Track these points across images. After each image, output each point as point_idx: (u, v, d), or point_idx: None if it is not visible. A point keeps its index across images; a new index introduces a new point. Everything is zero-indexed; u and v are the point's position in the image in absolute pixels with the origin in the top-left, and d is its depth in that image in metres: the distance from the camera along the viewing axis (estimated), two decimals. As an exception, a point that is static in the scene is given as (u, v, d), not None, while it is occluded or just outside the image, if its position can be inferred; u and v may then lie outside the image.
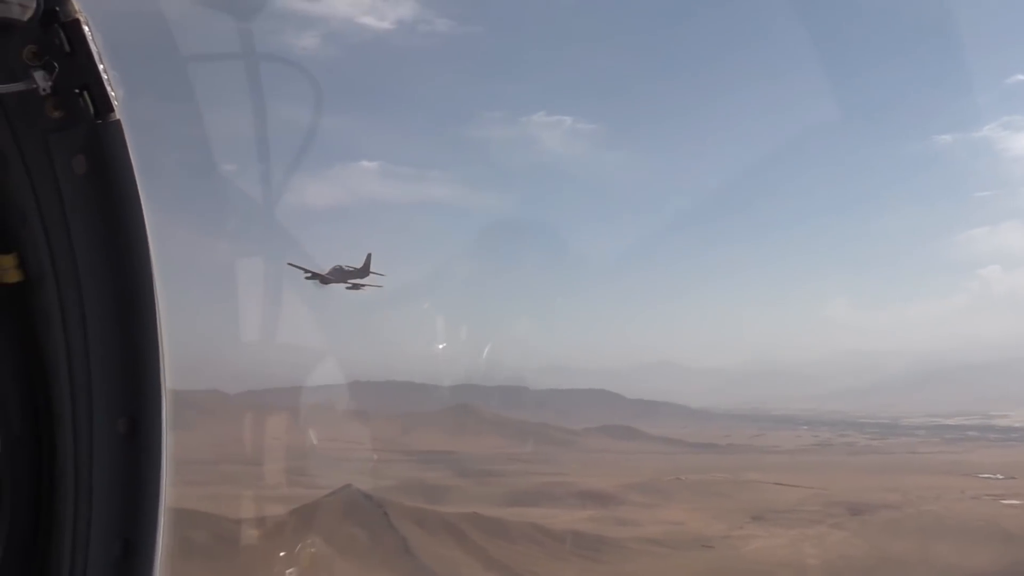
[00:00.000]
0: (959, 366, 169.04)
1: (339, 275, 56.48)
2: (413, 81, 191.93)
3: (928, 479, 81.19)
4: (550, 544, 62.71)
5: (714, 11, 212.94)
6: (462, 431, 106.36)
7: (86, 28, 2.36)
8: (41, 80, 2.33)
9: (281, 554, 45.63)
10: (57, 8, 2.33)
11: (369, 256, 58.81)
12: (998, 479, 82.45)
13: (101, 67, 2.40)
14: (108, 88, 2.42)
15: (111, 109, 2.43)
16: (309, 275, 53.37)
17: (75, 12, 2.35)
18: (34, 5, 2.29)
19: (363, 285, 57.44)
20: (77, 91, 2.40)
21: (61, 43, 2.34)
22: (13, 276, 2.51)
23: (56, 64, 2.34)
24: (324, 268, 54.71)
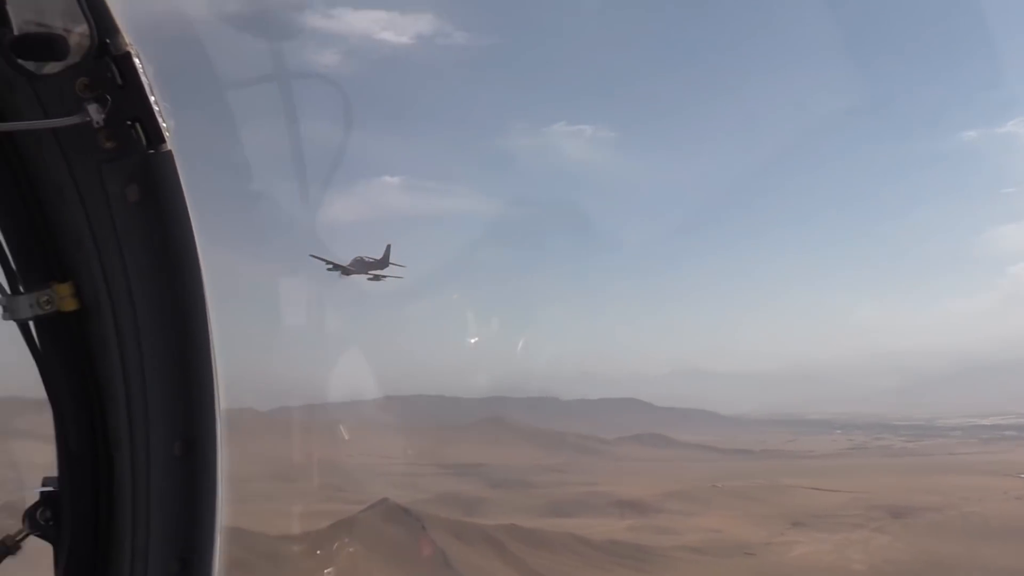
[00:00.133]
0: (992, 365, 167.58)
1: (360, 266, 56.84)
2: (433, 95, 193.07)
3: (969, 480, 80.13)
4: (591, 554, 62.22)
5: (733, 12, 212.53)
6: (495, 443, 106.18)
7: (137, 61, 2.44)
8: (94, 113, 2.39)
9: (326, 572, 45.61)
10: (108, 41, 2.40)
11: (388, 247, 59.11)
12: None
13: (152, 99, 2.47)
14: (159, 119, 2.49)
15: (162, 139, 2.50)
16: (331, 266, 53.72)
17: (126, 45, 2.42)
18: (88, 40, 2.37)
19: (383, 276, 57.74)
20: (129, 122, 2.46)
21: (113, 76, 2.42)
22: (70, 304, 2.56)
23: (109, 97, 2.41)
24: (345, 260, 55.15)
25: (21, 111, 2.46)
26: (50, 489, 2.65)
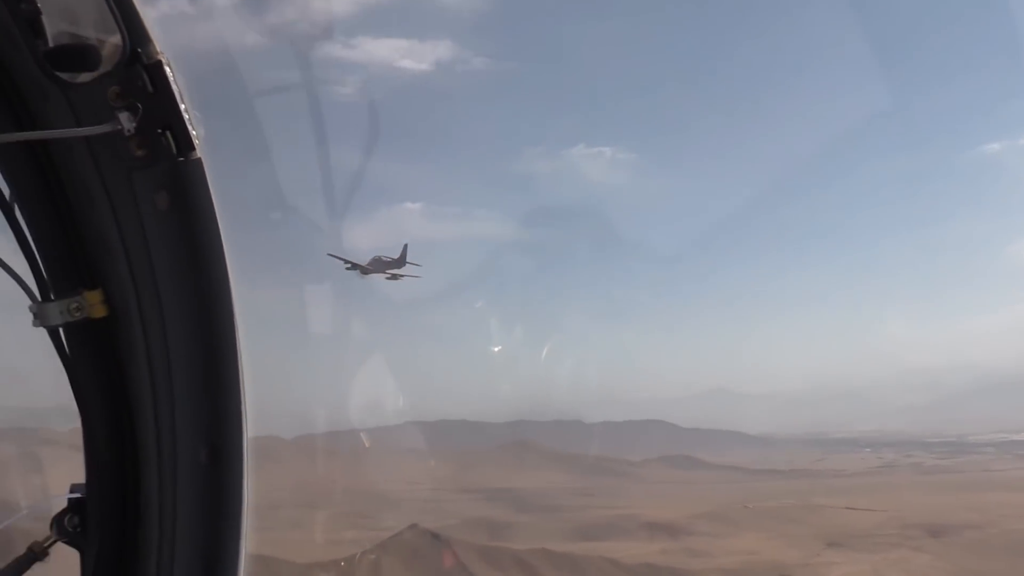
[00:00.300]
0: (1022, 379, 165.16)
1: (378, 266, 57.26)
2: (453, 120, 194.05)
3: (1009, 496, 78.42)
4: (625, 578, 61.32)
5: (751, 27, 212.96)
6: (520, 467, 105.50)
7: (168, 69, 2.46)
8: (125, 121, 2.43)
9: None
10: (140, 50, 2.43)
11: (406, 247, 59.48)
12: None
13: (183, 107, 2.50)
14: (189, 127, 2.51)
15: (192, 148, 2.52)
16: (349, 265, 54.02)
17: (157, 54, 2.46)
18: (120, 49, 2.41)
19: (401, 275, 57.96)
20: (160, 131, 2.49)
21: (144, 84, 2.45)
22: (100, 311, 2.60)
23: (140, 105, 2.44)
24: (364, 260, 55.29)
25: (53, 119, 2.52)
26: (78, 496, 2.69)
